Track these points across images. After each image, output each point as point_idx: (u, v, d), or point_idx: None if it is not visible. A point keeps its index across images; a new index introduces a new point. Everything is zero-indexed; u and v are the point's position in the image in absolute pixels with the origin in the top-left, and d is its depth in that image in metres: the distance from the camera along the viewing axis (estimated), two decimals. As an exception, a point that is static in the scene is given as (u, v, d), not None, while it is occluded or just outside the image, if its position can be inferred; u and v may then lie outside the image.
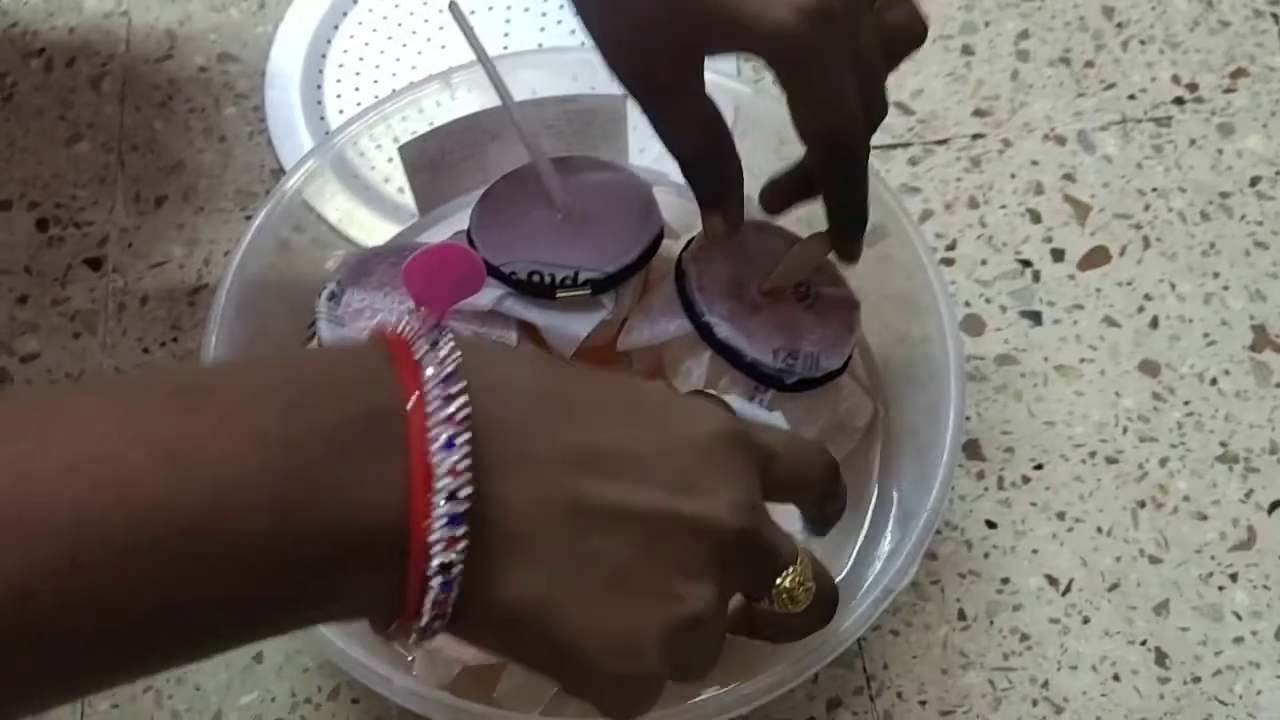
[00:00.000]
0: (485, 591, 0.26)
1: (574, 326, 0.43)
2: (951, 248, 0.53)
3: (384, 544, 0.25)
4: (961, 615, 0.46)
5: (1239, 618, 0.46)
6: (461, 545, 0.25)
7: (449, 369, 0.26)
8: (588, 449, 0.27)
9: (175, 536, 0.23)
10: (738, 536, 0.28)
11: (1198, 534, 0.47)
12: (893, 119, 0.56)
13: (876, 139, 0.55)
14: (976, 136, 0.56)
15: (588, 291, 0.43)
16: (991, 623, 0.46)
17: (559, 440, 0.27)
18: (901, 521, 0.43)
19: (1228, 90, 0.57)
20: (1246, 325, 0.51)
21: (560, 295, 0.43)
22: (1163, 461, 0.48)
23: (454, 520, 0.25)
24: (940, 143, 0.56)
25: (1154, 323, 0.51)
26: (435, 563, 0.25)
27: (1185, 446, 0.49)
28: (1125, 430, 0.49)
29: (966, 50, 0.58)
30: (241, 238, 0.44)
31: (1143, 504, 0.48)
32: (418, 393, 0.25)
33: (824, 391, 0.44)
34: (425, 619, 0.26)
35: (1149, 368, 0.50)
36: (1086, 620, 0.46)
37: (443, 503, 0.25)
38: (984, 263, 0.53)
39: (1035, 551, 0.47)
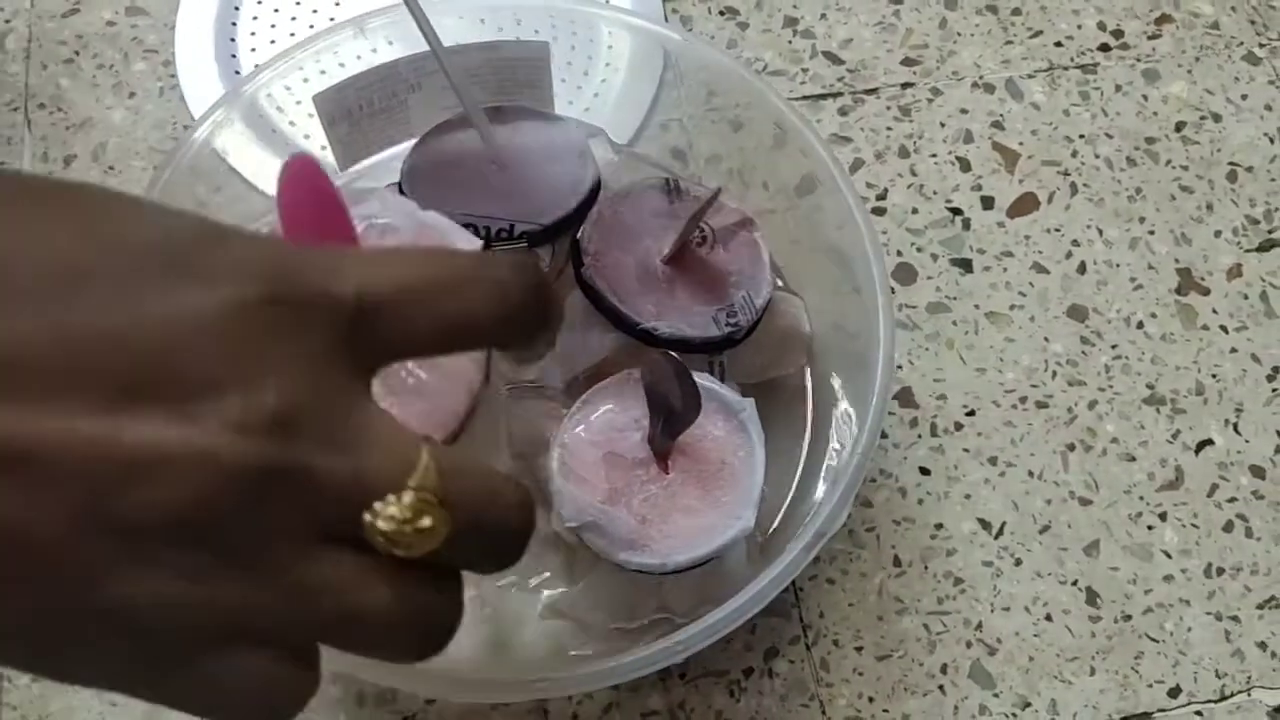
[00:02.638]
0: None
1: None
2: (883, 197, 0.53)
3: None
4: (896, 561, 0.46)
5: (1168, 556, 0.46)
6: None
7: None
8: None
9: None
10: (237, 476, 0.17)
11: (1126, 475, 0.48)
12: (822, 68, 0.56)
13: (807, 89, 0.55)
14: (906, 85, 0.56)
15: (524, 244, 0.42)
16: (926, 568, 0.46)
17: None
18: (833, 472, 0.43)
19: (1152, 37, 0.57)
20: (1172, 269, 0.52)
21: (496, 248, 0.42)
22: (1091, 404, 0.49)
23: None
24: (870, 92, 0.55)
25: (1081, 268, 0.52)
26: None
27: (1113, 390, 0.49)
28: (1054, 375, 0.49)
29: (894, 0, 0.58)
30: (150, 192, 0.43)
31: (1072, 447, 0.48)
32: None
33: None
34: None
35: (1077, 313, 0.51)
36: (1019, 562, 0.46)
37: None
38: (914, 211, 0.53)
39: (968, 497, 0.47)
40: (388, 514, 0.19)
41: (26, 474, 0.16)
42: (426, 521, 0.19)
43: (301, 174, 0.26)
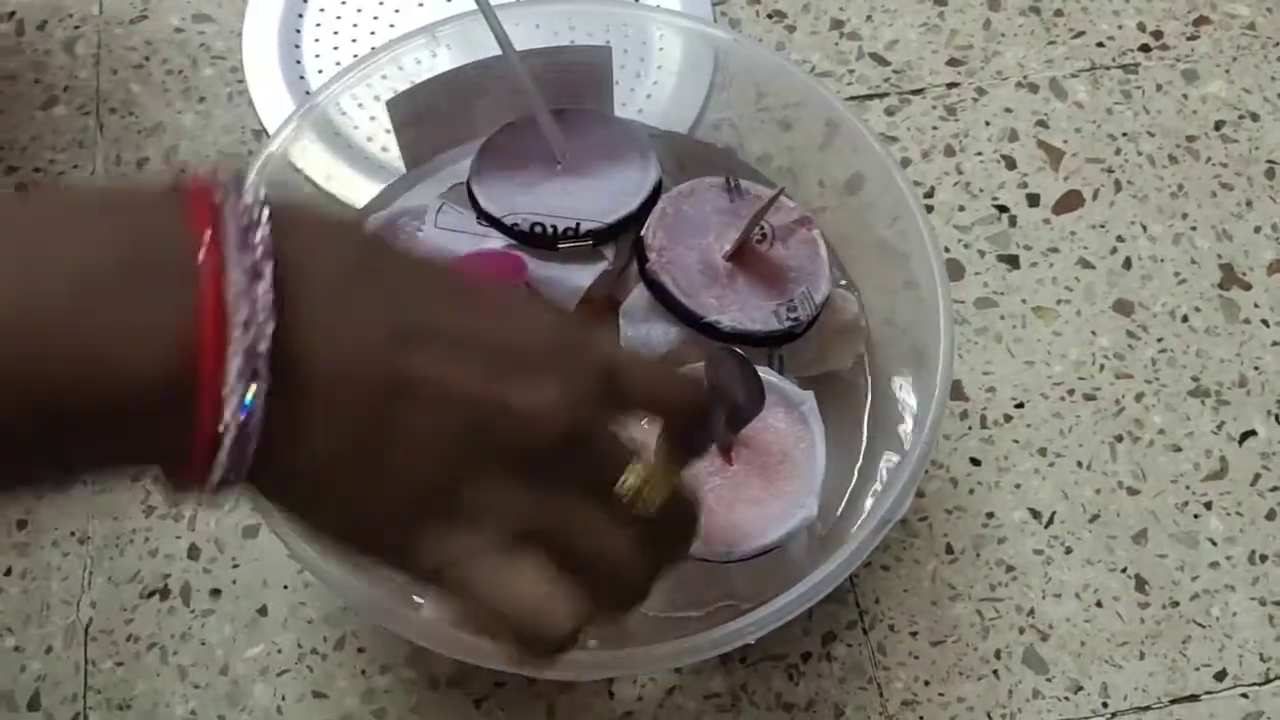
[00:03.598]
0: (285, 452, 0.25)
1: (576, 277, 0.44)
2: (929, 195, 0.54)
3: (160, 391, 0.23)
4: (949, 549, 0.47)
5: (1214, 544, 0.47)
6: (253, 394, 0.24)
7: (255, 215, 0.25)
8: (412, 324, 0.26)
9: None
10: (563, 432, 0.27)
11: (1173, 465, 0.49)
12: (868, 69, 0.57)
13: (854, 90, 0.57)
14: (951, 85, 0.57)
15: (589, 243, 0.44)
16: (978, 555, 0.47)
17: (380, 310, 0.26)
18: (891, 463, 0.44)
19: (1191, 38, 0.58)
20: (1215, 264, 0.53)
21: (562, 246, 0.43)
22: (1138, 397, 0.50)
23: (249, 372, 0.24)
24: (916, 92, 0.57)
25: (1127, 263, 0.53)
26: (228, 415, 0.24)
27: (1159, 382, 0.50)
28: (1102, 368, 0.51)
29: (939, 0, 0.59)
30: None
31: (1120, 438, 0.49)
32: (209, 231, 0.24)
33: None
34: (218, 474, 0.24)
35: (1123, 307, 0.52)
36: (1069, 550, 0.47)
37: (238, 350, 0.24)
38: (961, 209, 0.54)
39: (1018, 486, 0.48)
40: (637, 475, 0.29)
41: (435, 405, 0.26)
42: (661, 487, 0.29)
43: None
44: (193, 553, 0.46)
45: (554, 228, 0.43)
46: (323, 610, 0.45)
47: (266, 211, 0.25)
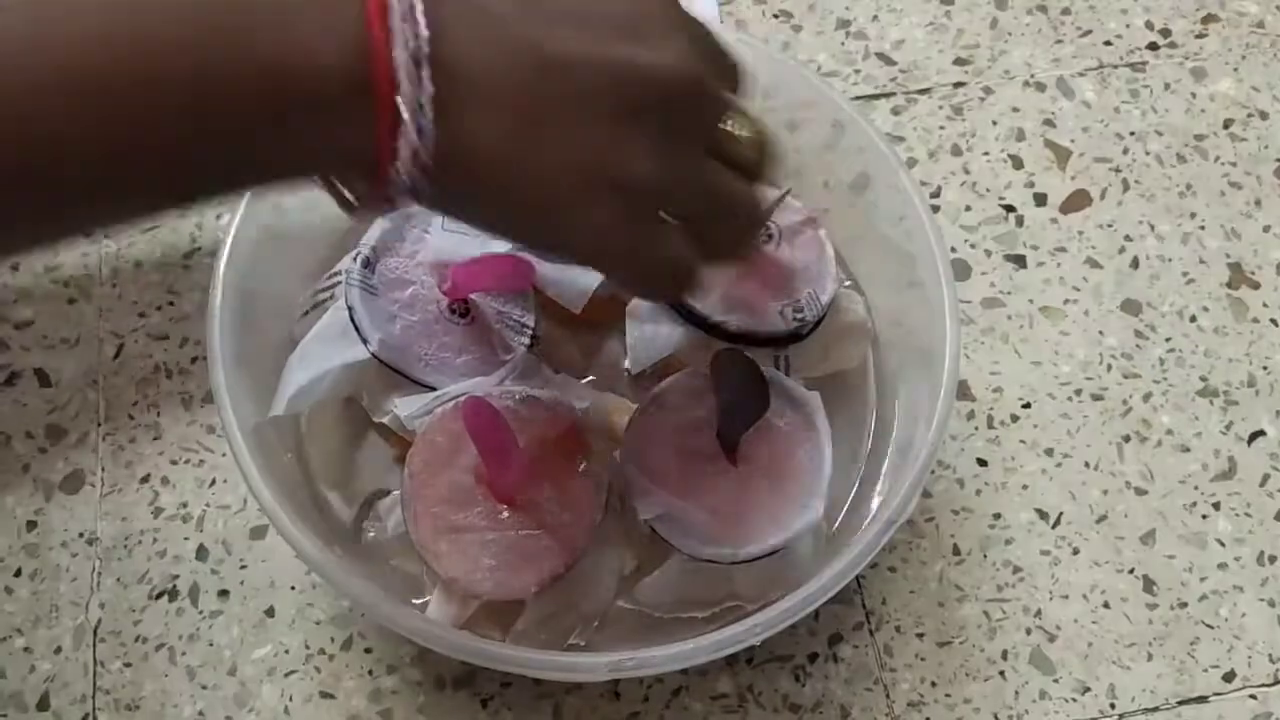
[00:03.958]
0: (458, 141, 0.27)
1: (584, 278, 0.44)
2: (936, 195, 0.54)
3: (340, 80, 0.26)
4: (956, 550, 0.47)
5: (1222, 544, 0.47)
6: (426, 80, 0.26)
7: None
8: (546, 5, 0.29)
9: (115, 72, 0.25)
10: (689, 79, 0.30)
11: (1181, 465, 0.49)
12: (875, 69, 0.57)
13: (860, 89, 0.57)
14: (958, 85, 0.57)
15: None
16: (985, 556, 0.47)
17: (514, 3, 0.29)
18: (897, 463, 0.44)
19: (1199, 35, 0.58)
20: (1223, 263, 0.53)
21: None
22: (1146, 397, 0.50)
23: (416, 59, 0.26)
24: (922, 92, 0.57)
25: (1134, 263, 0.53)
26: (404, 98, 0.26)
27: (1167, 382, 0.50)
28: (1109, 368, 0.51)
29: (945, 0, 0.59)
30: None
31: (1127, 438, 0.49)
32: None
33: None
34: (403, 170, 0.27)
35: (1131, 306, 0.52)
36: (1076, 551, 0.47)
37: (402, 36, 0.26)
38: (968, 209, 0.54)
39: (1025, 487, 0.48)
40: (739, 118, 0.33)
41: (578, 70, 0.29)
42: (753, 124, 0.34)
43: (477, 413, 0.38)
44: (201, 554, 0.46)
45: None
46: (330, 611, 0.45)
47: None
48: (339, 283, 0.43)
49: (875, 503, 0.43)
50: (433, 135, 0.27)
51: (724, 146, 0.33)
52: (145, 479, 0.48)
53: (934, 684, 0.45)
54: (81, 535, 0.47)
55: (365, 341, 0.41)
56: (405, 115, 0.26)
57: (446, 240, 0.44)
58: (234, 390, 0.39)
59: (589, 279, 0.44)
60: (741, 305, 0.43)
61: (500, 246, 0.43)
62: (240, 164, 0.28)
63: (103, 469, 0.48)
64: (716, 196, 0.33)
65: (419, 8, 0.26)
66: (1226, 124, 0.56)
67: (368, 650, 0.45)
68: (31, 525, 0.47)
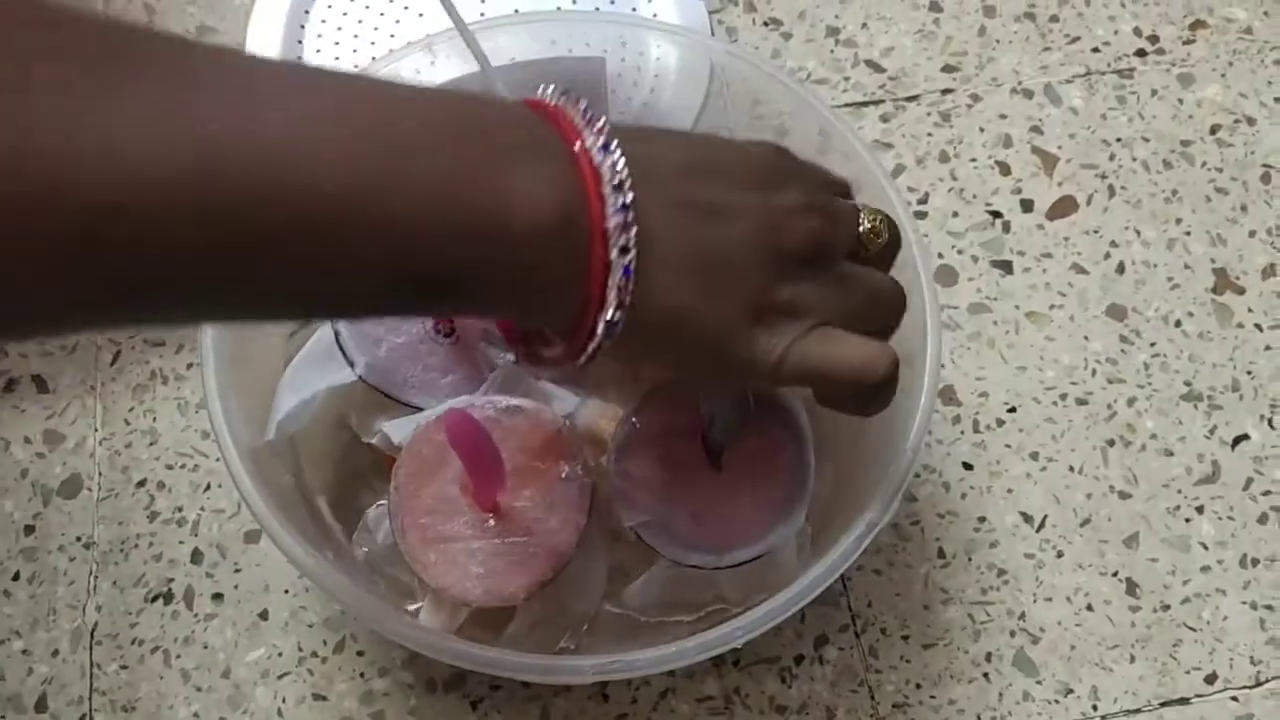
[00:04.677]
0: (646, 299, 0.30)
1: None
2: (924, 201, 0.55)
3: (553, 228, 0.29)
4: (941, 553, 0.48)
5: (1205, 548, 0.48)
6: (633, 232, 0.29)
7: (591, 113, 0.31)
8: (692, 162, 0.33)
9: (351, 205, 0.26)
10: (822, 209, 0.34)
11: (1165, 469, 0.49)
12: (863, 76, 0.58)
13: (850, 96, 0.57)
14: (946, 92, 0.57)
15: None
16: (970, 559, 0.47)
17: (671, 158, 0.32)
18: (880, 468, 0.44)
19: (1187, 42, 0.58)
20: (1208, 269, 0.53)
21: None
22: (1130, 401, 0.50)
23: (624, 209, 0.29)
24: (911, 99, 0.57)
25: (1120, 269, 0.53)
26: (616, 245, 0.29)
27: (1152, 387, 0.51)
28: (1094, 372, 0.51)
29: (934, 7, 0.59)
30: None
31: (1112, 443, 0.50)
32: (565, 120, 0.30)
33: None
34: (610, 310, 0.29)
35: (1116, 312, 0.52)
36: (1060, 554, 0.48)
37: (612, 193, 0.29)
38: (955, 215, 0.54)
39: (1010, 491, 0.49)
40: (868, 216, 0.36)
41: (734, 220, 0.32)
42: (881, 215, 0.37)
43: (459, 426, 0.38)
44: (195, 557, 0.47)
45: None
46: (322, 614, 0.46)
47: (601, 117, 0.31)
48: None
49: (859, 507, 0.44)
50: (634, 279, 0.30)
51: (859, 249, 0.36)
52: (141, 483, 0.48)
53: (918, 686, 0.45)
54: (79, 539, 0.47)
55: (351, 365, 0.42)
56: (615, 255, 0.29)
57: None
58: (229, 410, 0.40)
59: None
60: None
61: None
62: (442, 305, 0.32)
63: (100, 474, 0.49)
64: (869, 296, 0.36)
65: (621, 167, 0.30)
66: (1213, 130, 0.56)
67: (360, 653, 0.45)
68: (30, 529, 0.48)
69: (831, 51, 0.58)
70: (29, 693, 0.45)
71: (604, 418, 0.44)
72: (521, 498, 0.40)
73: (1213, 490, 0.49)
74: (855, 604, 0.47)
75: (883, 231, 0.36)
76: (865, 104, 0.57)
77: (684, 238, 0.31)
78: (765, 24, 0.59)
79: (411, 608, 0.42)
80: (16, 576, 0.47)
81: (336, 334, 0.42)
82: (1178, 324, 0.52)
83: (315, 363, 0.42)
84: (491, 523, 0.40)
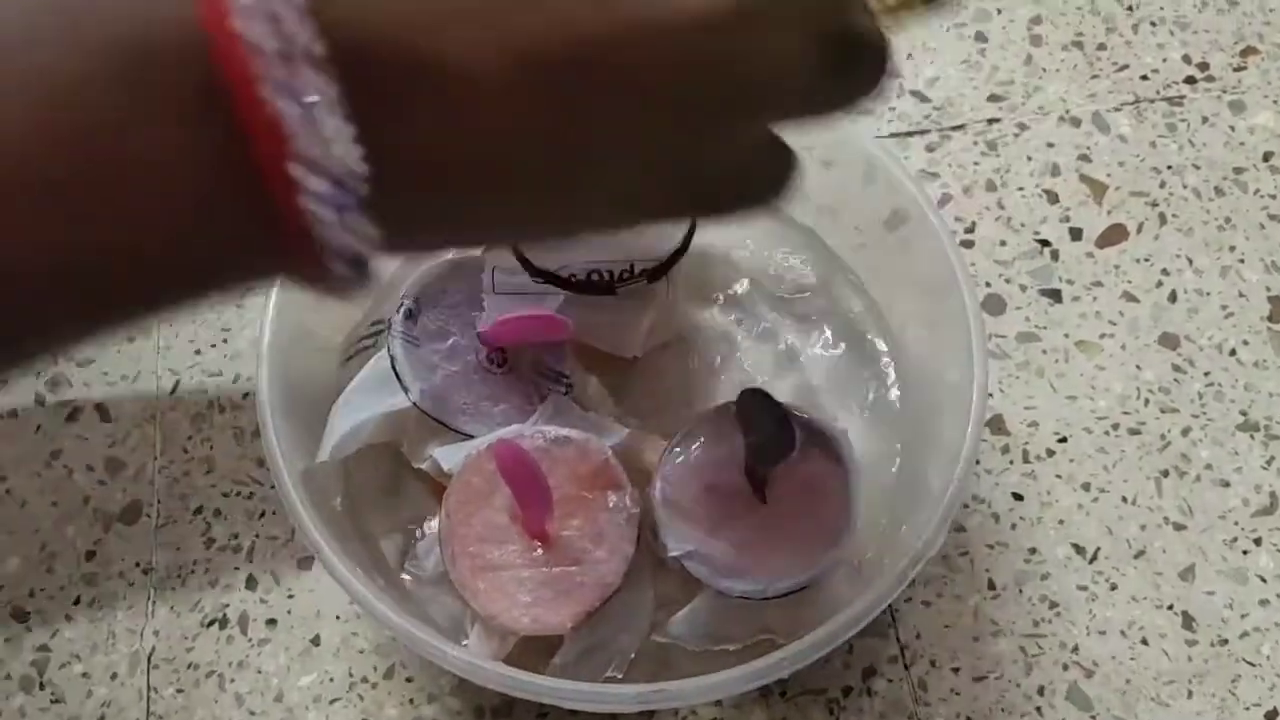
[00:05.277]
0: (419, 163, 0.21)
1: (637, 316, 0.45)
2: (971, 230, 0.55)
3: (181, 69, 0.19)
4: (991, 585, 0.47)
5: (1264, 581, 0.47)
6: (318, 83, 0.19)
7: None
8: None
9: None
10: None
11: (1221, 501, 0.48)
12: (909, 106, 0.58)
13: (895, 126, 0.57)
14: (992, 121, 0.57)
15: (644, 281, 0.45)
16: (1021, 591, 0.47)
17: None
18: (927, 497, 0.44)
19: (1238, 68, 0.58)
20: (1263, 296, 0.52)
21: (620, 288, 0.45)
22: (1185, 431, 0.50)
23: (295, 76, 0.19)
24: (957, 128, 0.57)
25: (1172, 297, 0.53)
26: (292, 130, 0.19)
27: (1206, 416, 0.50)
28: (1147, 402, 0.50)
29: (980, 37, 0.59)
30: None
31: (1166, 473, 0.49)
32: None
33: None
34: (327, 225, 0.20)
35: (1169, 340, 0.52)
36: (1114, 587, 0.47)
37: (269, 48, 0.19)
38: (1003, 244, 0.54)
39: (1061, 522, 0.48)
40: None
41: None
42: None
43: (509, 455, 0.38)
44: (250, 583, 0.48)
45: (610, 273, 0.45)
46: (373, 640, 0.47)
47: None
48: (381, 331, 0.44)
49: (906, 537, 0.44)
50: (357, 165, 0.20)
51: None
52: (198, 510, 0.49)
53: (969, 719, 0.45)
54: (138, 565, 0.49)
55: (406, 391, 0.42)
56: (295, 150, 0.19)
57: (501, 303, 0.45)
58: (282, 435, 0.41)
59: (641, 316, 0.45)
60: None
61: (552, 301, 0.45)
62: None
63: (158, 501, 0.50)
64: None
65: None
66: (1266, 157, 0.56)
67: (409, 679, 0.46)
68: (91, 555, 0.49)
69: (877, 82, 0.58)
70: (88, 715, 0.46)
71: (649, 448, 0.44)
72: (569, 527, 0.41)
73: (1271, 522, 0.48)
74: (904, 635, 0.46)
75: None
76: (911, 134, 0.57)
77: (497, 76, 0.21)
78: (810, 56, 0.59)
79: (461, 637, 0.42)
80: (78, 601, 0.48)
81: (393, 360, 0.43)
82: (1232, 353, 0.51)
83: (370, 388, 0.43)
84: (540, 552, 0.40)
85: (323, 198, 0.20)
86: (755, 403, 0.40)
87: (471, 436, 0.43)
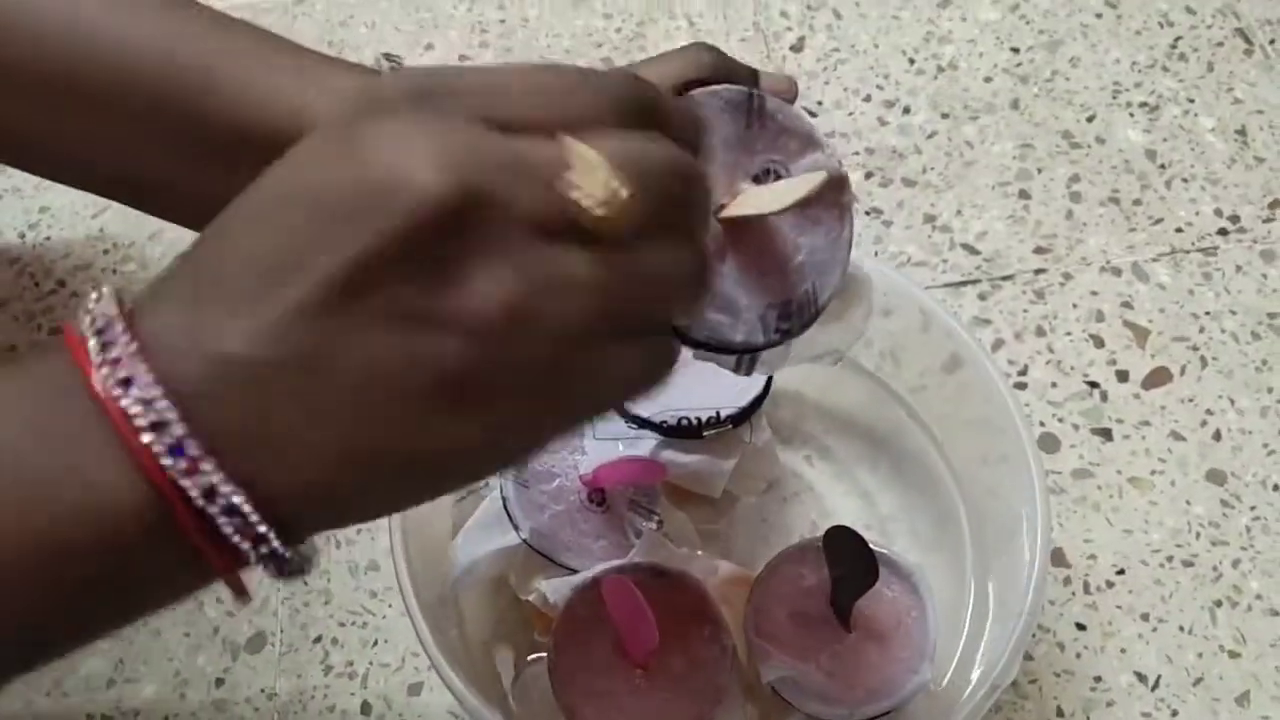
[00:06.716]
0: (285, 473, 0.25)
1: (722, 460, 0.49)
2: (1023, 373, 0.59)
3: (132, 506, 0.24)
4: (1060, 712, 0.50)
5: (1320, 707, 0.49)
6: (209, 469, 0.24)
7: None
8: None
9: None
10: (438, 202, 0.24)
11: (1272, 629, 0.51)
12: (960, 259, 0.63)
13: (949, 277, 0.62)
14: (1039, 271, 0.62)
15: (729, 427, 0.49)
16: (1088, 718, 0.50)
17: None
18: (998, 628, 0.47)
19: (1267, 220, 0.63)
20: (1303, 434, 0.56)
21: (707, 434, 0.49)
22: (1235, 563, 0.53)
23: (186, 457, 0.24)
24: (1006, 278, 0.62)
25: (1217, 435, 0.56)
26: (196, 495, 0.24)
27: (1254, 548, 0.53)
28: (1198, 535, 0.54)
29: (1024, 195, 0.65)
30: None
31: (1219, 603, 0.52)
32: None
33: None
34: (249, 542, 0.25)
35: (1216, 477, 0.55)
36: (1175, 713, 0.50)
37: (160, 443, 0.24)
38: (1054, 385, 0.58)
39: (1124, 650, 0.51)
40: (584, 175, 0.25)
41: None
42: (617, 182, 0.25)
43: (617, 590, 0.42)
44: (365, 709, 0.52)
45: (698, 419, 0.49)
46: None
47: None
48: (493, 473, 0.49)
49: (979, 664, 0.47)
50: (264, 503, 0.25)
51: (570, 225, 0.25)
52: (318, 639, 0.53)
53: (1044, 842, 0.47)
54: (263, 691, 0.52)
55: (517, 529, 0.47)
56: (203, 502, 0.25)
57: (600, 449, 0.50)
58: (412, 572, 0.45)
59: (727, 459, 0.49)
60: (717, 297, 0.33)
61: (645, 444, 0.49)
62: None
63: (281, 630, 0.54)
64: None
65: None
66: (1298, 302, 0.60)
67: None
68: (220, 682, 0.53)
69: (929, 236, 0.64)
70: (215, 835, 0.49)
71: (738, 581, 0.48)
72: (669, 656, 0.44)
73: (1323, 650, 0.51)
74: (978, 760, 0.49)
75: (608, 199, 0.25)
76: (963, 284, 0.62)
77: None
78: (868, 213, 0.65)
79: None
80: (205, 725, 0.52)
81: (504, 500, 0.47)
82: (1276, 488, 0.55)
83: (485, 526, 0.47)
84: (642, 679, 0.44)
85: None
86: (841, 539, 0.44)
87: (574, 570, 0.47)
